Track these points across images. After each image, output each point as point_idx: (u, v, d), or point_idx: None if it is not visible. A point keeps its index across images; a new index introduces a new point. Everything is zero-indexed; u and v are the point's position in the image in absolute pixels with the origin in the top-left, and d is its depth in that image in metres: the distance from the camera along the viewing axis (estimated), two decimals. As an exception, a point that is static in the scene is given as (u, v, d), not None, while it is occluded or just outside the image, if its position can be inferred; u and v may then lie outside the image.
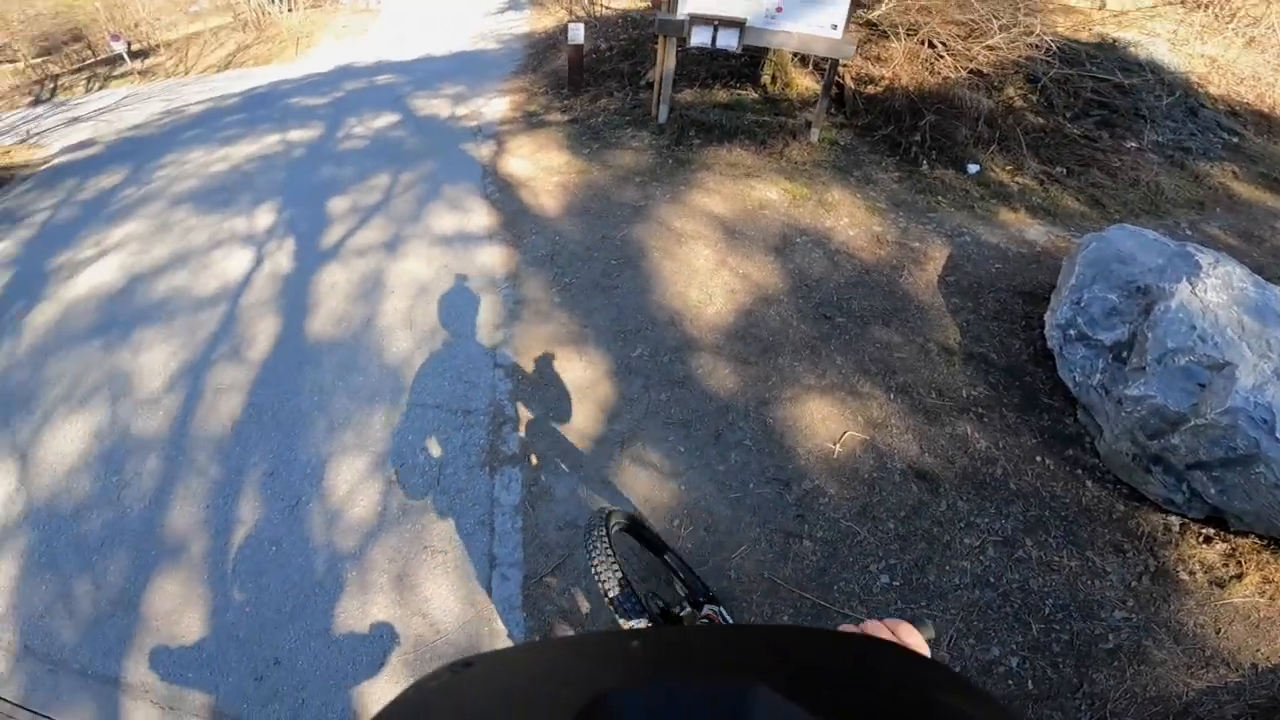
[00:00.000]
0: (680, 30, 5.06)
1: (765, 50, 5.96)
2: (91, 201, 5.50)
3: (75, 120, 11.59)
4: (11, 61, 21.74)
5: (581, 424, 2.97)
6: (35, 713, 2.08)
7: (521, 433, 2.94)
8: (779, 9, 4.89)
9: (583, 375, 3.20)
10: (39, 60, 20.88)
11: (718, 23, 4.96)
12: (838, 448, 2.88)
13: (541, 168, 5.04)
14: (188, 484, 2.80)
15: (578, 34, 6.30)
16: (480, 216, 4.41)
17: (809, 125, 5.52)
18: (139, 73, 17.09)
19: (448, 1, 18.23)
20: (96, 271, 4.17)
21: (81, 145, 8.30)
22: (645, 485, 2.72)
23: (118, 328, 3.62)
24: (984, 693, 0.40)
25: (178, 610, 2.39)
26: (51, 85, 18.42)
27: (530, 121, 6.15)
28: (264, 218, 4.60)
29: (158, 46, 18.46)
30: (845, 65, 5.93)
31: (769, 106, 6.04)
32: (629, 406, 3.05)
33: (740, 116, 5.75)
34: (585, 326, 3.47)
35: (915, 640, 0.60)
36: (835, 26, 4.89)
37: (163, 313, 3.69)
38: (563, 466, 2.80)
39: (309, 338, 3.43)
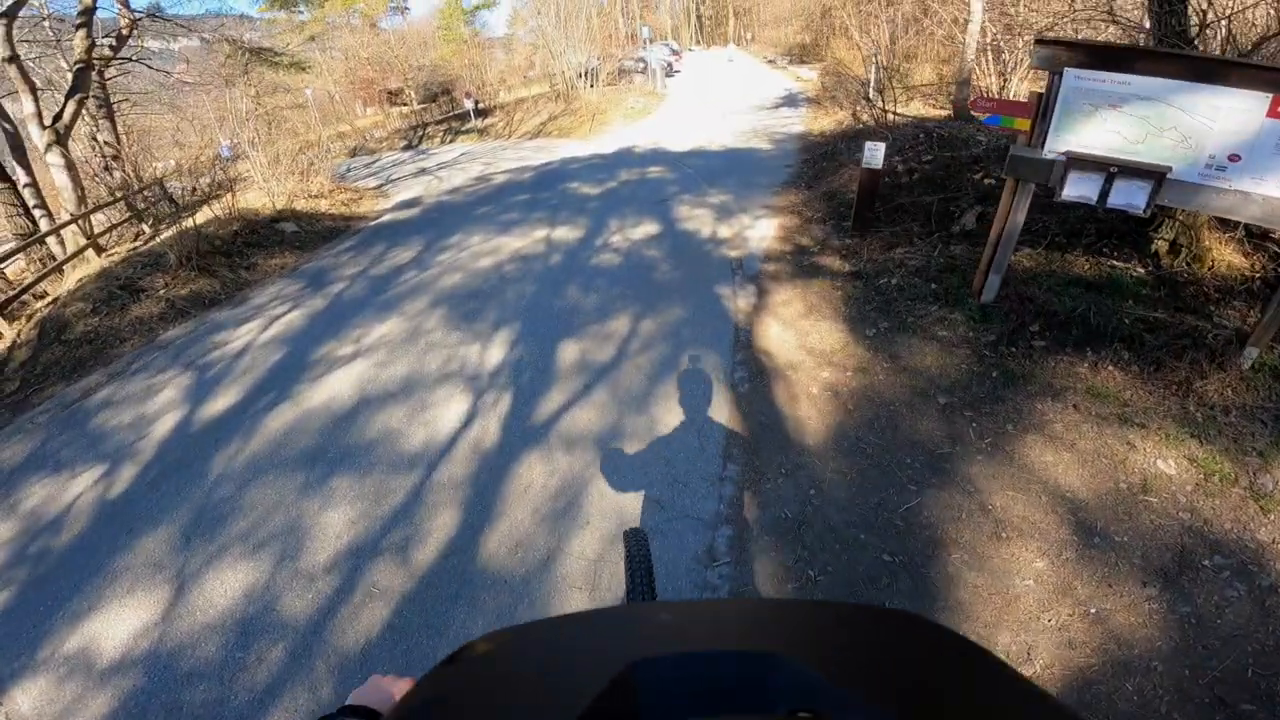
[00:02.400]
0: (1045, 175, 3.48)
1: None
2: (379, 280, 5.90)
3: (421, 171, 13.93)
4: (405, 104, 28.30)
5: None
6: None
7: None
8: (1233, 157, 3.00)
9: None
10: (421, 107, 26.76)
11: (1115, 169, 3.26)
12: None
13: (809, 349, 3.86)
14: (294, 698, 2.24)
15: (876, 156, 4.97)
16: (719, 420, 3.33)
17: (1239, 339, 3.43)
18: (479, 130, 20.58)
19: (726, 92, 18.52)
20: (340, 379, 4.14)
21: (409, 204, 9.63)
22: None
23: (323, 465, 3.38)
24: (1020, 679, 0.38)
25: None
26: (421, 132, 23.29)
27: (801, 264, 5.04)
28: (495, 352, 4.18)
29: (494, 108, 22.13)
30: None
31: (1165, 292, 3.99)
32: None
33: (1113, 306, 3.83)
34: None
35: None
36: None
37: (365, 460, 3.37)
38: None
39: (478, 560, 2.69)
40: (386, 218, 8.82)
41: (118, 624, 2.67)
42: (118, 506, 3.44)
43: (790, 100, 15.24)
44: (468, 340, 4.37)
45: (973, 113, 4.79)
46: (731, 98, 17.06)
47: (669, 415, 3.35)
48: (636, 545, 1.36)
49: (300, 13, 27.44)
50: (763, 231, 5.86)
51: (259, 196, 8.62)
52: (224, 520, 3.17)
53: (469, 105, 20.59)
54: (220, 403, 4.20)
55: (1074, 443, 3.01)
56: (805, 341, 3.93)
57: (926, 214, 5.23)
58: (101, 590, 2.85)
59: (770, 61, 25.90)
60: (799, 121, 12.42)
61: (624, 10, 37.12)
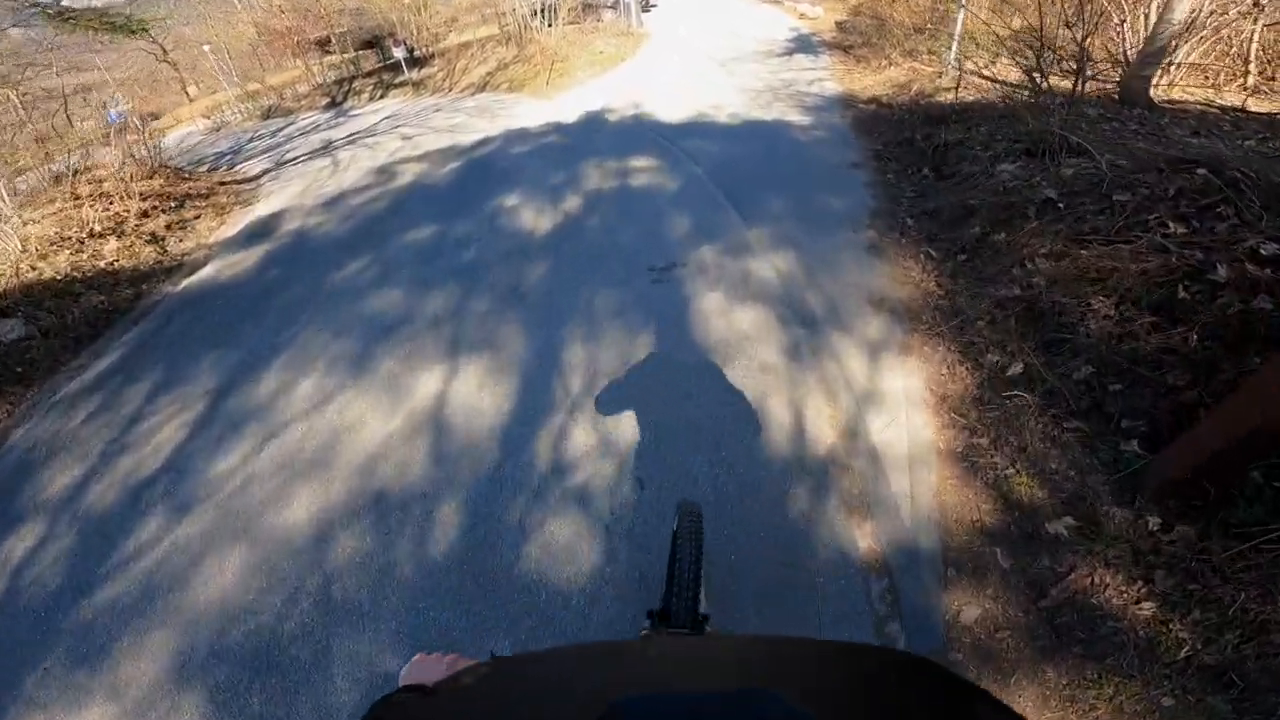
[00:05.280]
0: None
1: None
2: (73, 565, 2.51)
3: (325, 147, 10.01)
4: (331, 54, 22.74)
5: None
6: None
7: None
8: None
9: None
10: (351, 57, 21.43)
11: None
12: None
13: None
14: None
15: None
16: None
17: None
18: (414, 83, 15.94)
19: (718, 31, 14.03)
20: None
21: (258, 234, 5.91)
22: None
23: None
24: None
25: None
26: (348, 87, 18.41)
27: (1074, 631, 1.79)
28: None
29: (434, 55, 17.30)
30: None
31: None
32: None
33: None
34: None
35: None
36: None
37: None
38: None
39: None
40: (208, 271, 5.18)
41: None
42: None
43: (804, 45, 11.23)
44: None
45: None
46: (726, 39, 12.87)
47: None
48: (689, 520, 1.21)
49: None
50: (907, 418, 2.51)
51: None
52: None
53: (399, 54, 16.03)
54: None
55: None
56: None
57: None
58: None
59: (760, -11, 21.05)
60: (829, 77, 8.64)
61: (587, -74, 30.62)
